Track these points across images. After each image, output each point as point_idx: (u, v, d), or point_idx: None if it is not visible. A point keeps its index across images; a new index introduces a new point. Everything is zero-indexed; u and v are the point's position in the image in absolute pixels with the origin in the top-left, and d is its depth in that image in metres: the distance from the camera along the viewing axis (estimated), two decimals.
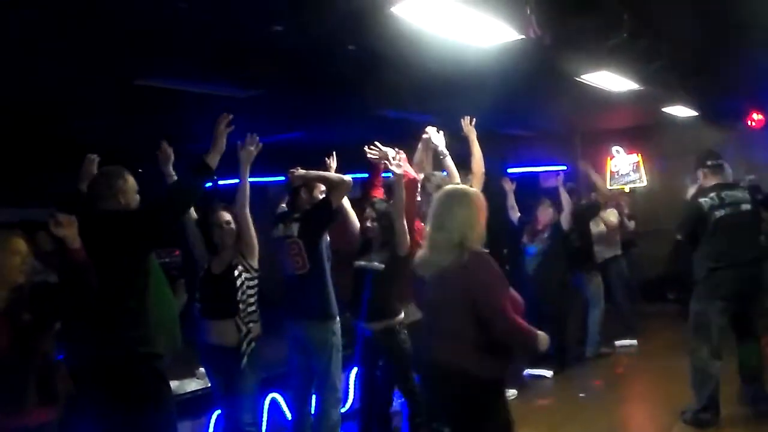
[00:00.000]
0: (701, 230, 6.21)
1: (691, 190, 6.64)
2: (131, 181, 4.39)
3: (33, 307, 3.77)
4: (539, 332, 3.94)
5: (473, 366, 3.82)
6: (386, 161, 5.56)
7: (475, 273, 3.85)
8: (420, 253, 4.11)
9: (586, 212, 9.39)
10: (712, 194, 6.20)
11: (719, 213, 6.12)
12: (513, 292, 4.06)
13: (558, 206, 8.86)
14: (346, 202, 5.83)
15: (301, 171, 5.69)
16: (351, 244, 5.86)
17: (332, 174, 5.71)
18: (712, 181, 6.33)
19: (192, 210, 5.24)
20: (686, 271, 6.23)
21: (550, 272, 8.56)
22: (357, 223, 5.83)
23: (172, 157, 5.19)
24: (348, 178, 5.63)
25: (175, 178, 5.14)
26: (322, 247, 5.69)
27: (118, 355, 4.07)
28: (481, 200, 4.09)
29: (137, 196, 4.41)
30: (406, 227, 5.47)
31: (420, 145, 6.40)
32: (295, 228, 5.66)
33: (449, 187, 4.20)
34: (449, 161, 6.34)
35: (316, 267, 5.61)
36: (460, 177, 6.44)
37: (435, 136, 6.29)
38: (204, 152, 4.48)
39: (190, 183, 4.48)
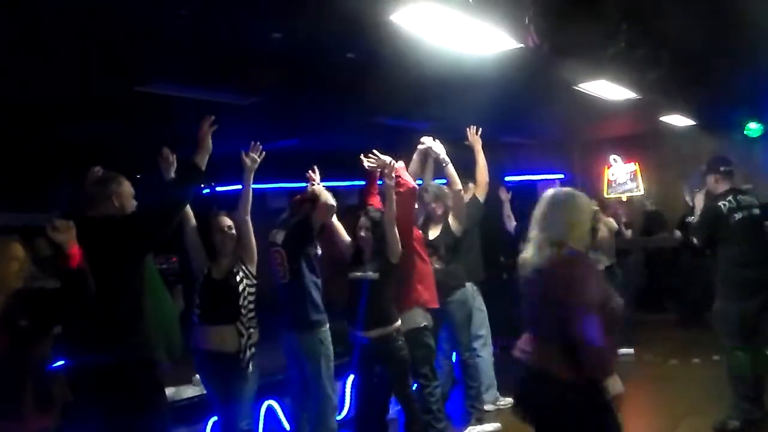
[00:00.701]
0: (721, 233, 6.26)
1: (700, 197, 6.63)
2: (126, 185, 4.40)
3: (30, 313, 3.77)
4: (614, 374, 3.81)
5: (558, 369, 3.75)
6: (383, 170, 5.58)
7: (563, 271, 3.78)
8: (523, 254, 4.10)
9: None
10: (729, 197, 6.29)
11: (738, 215, 6.21)
12: (614, 305, 3.90)
13: None
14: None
15: (317, 186, 5.69)
16: (344, 255, 5.85)
17: (322, 193, 5.70)
18: (724, 186, 6.41)
19: (191, 216, 5.26)
20: (687, 280, 6.25)
21: None
22: (345, 237, 5.81)
23: (175, 164, 5.17)
24: (331, 201, 5.63)
25: None
26: (303, 260, 5.67)
27: (114, 362, 4.07)
28: (585, 202, 4.06)
29: (133, 201, 4.42)
30: (397, 235, 5.47)
31: (415, 156, 6.42)
32: (281, 236, 5.70)
33: (553, 189, 4.20)
34: (451, 169, 6.37)
35: (296, 278, 5.62)
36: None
37: (434, 145, 6.31)
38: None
39: (180, 186, 4.49)
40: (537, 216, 4.02)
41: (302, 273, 5.66)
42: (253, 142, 5.24)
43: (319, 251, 5.91)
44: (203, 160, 4.52)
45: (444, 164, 6.39)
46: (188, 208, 5.18)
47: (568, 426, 3.83)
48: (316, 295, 5.69)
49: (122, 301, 4.15)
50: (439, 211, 6.64)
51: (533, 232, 4.02)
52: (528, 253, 3.99)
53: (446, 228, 6.60)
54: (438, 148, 6.32)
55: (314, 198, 5.69)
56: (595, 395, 3.76)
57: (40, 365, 3.86)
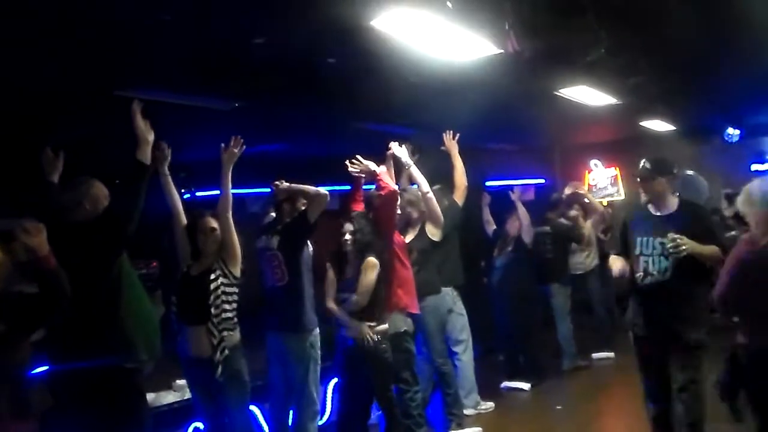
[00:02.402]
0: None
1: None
2: (98, 187, 4.40)
3: (8, 318, 3.74)
4: None
5: None
6: (367, 175, 5.61)
7: None
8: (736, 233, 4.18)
9: (566, 233, 9.43)
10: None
11: None
12: None
13: (543, 220, 8.96)
14: None
15: (285, 184, 5.70)
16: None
17: (309, 187, 5.71)
18: None
19: (182, 217, 5.29)
20: None
21: (512, 285, 8.58)
22: None
23: (169, 158, 5.22)
24: (324, 191, 5.63)
25: (169, 177, 5.22)
26: (301, 260, 5.70)
27: (93, 367, 4.05)
28: None
29: (107, 204, 4.42)
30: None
31: (386, 164, 6.45)
32: (275, 240, 5.68)
33: (759, 179, 4.38)
34: (414, 171, 6.42)
35: (295, 279, 5.62)
36: (434, 191, 6.52)
37: (398, 150, 6.35)
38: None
39: (128, 186, 4.45)
40: (756, 199, 4.21)
41: (301, 273, 5.68)
42: (234, 137, 5.22)
43: (311, 251, 5.92)
44: (146, 154, 4.48)
45: (406, 167, 6.44)
46: (180, 209, 5.29)
47: None
48: (312, 297, 5.70)
49: (99, 305, 4.14)
50: (415, 215, 6.67)
51: (751, 214, 4.21)
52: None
53: (422, 232, 6.63)
54: (400, 152, 6.36)
55: (289, 196, 5.73)
56: None
57: (18, 371, 3.83)
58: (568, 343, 9.31)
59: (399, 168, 6.62)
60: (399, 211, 6.28)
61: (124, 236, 4.32)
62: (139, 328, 4.56)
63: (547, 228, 9.32)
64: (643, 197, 5.27)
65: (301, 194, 5.73)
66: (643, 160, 5.23)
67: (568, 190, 9.67)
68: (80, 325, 4.05)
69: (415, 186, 6.71)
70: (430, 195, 6.53)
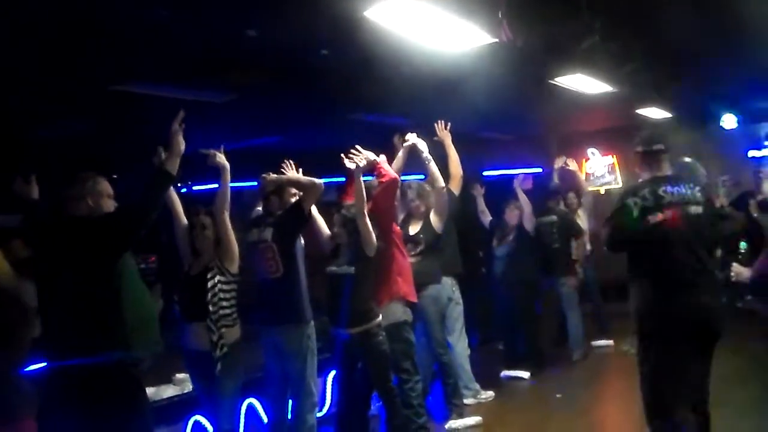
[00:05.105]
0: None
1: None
2: (103, 184, 4.37)
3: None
4: None
5: None
6: (364, 167, 5.59)
7: None
8: None
9: (571, 224, 9.40)
10: (645, 191, 4.65)
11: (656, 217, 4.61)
12: None
13: (537, 208, 8.93)
14: (313, 207, 5.80)
15: (273, 175, 5.69)
16: (321, 249, 5.87)
17: (303, 177, 5.70)
18: (646, 175, 4.83)
19: (182, 216, 5.35)
20: None
21: (516, 274, 8.58)
22: (325, 229, 5.85)
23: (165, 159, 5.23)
24: (319, 181, 5.62)
25: None
26: (296, 251, 5.70)
27: (93, 363, 4.05)
28: None
29: (110, 201, 4.40)
30: (370, 227, 5.46)
31: (400, 153, 6.44)
32: (268, 233, 5.66)
33: None
34: (433, 166, 6.42)
35: (290, 271, 5.62)
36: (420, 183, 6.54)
37: (419, 142, 6.33)
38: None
39: (151, 191, 4.44)
40: None
41: (296, 265, 5.68)
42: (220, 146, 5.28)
43: (303, 243, 5.92)
44: (174, 165, 4.39)
45: (427, 161, 6.41)
46: (179, 210, 5.33)
47: None
48: (306, 289, 5.71)
49: (99, 301, 4.13)
50: (422, 209, 6.68)
51: None
52: None
53: (427, 224, 6.64)
54: (422, 145, 6.35)
55: (277, 188, 5.73)
56: None
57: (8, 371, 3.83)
58: (578, 333, 9.28)
59: (412, 159, 6.56)
60: (399, 203, 6.30)
61: (132, 238, 4.32)
62: (138, 324, 4.56)
63: (554, 217, 9.27)
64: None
65: (295, 185, 5.71)
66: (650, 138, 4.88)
67: (556, 165, 9.63)
68: (79, 321, 4.05)
69: (418, 180, 6.74)
70: (445, 190, 6.54)
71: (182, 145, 4.41)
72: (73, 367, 4.04)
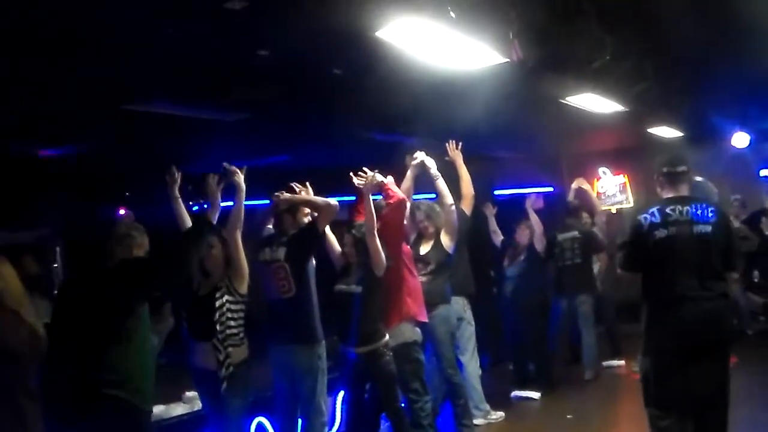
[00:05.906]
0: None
1: None
2: (146, 238, 4.47)
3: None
4: None
5: None
6: (373, 187, 5.60)
7: None
8: None
9: (595, 240, 9.35)
10: (654, 209, 4.82)
11: (661, 233, 4.74)
12: None
13: (554, 225, 8.91)
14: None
15: (286, 195, 5.69)
16: (333, 267, 5.86)
17: (318, 198, 5.70)
18: (668, 194, 4.93)
19: None
20: None
21: (527, 295, 8.54)
22: (337, 246, 5.84)
23: (179, 181, 5.36)
24: (334, 201, 5.62)
25: (180, 200, 5.35)
26: (309, 271, 5.69)
27: (112, 409, 4.05)
28: None
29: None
30: (380, 247, 5.46)
31: (409, 172, 6.44)
32: (281, 252, 5.64)
33: None
34: (442, 183, 6.41)
35: (303, 291, 5.60)
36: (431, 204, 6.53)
37: (427, 160, 6.34)
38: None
39: (193, 239, 4.51)
40: None
41: (308, 285, 5.66)
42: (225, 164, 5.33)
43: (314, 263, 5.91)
44: (215, 215, 4.89)
45: (435, 179, 6.42)
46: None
47: None
48: (318, 308, 5.69)
49: (121, 349, 4.13)
50: (431, 229, 6.67)
51: None
52: None
53: (437, 244, 6.62)
54: (430, 162, 6.36)
55: (290, 207, 5.71)
56: None
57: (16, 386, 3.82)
58: (591, 353, 9.20)
59: (421, 177, 6.57)
60: (408, 223, 6.29)
61: (169, 281, 4.42)
62: (148, 376, 4.51)
63: (575, 233, 9.17)
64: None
65: (309, 205, 5.71)
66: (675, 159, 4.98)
67: (574, 185, 9.59)
68: (97, 366, 4.05)
69: (428, 200, 6.75)
70: (453, 208, 6.54)
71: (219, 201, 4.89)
72: (88, 411, 4.03)
